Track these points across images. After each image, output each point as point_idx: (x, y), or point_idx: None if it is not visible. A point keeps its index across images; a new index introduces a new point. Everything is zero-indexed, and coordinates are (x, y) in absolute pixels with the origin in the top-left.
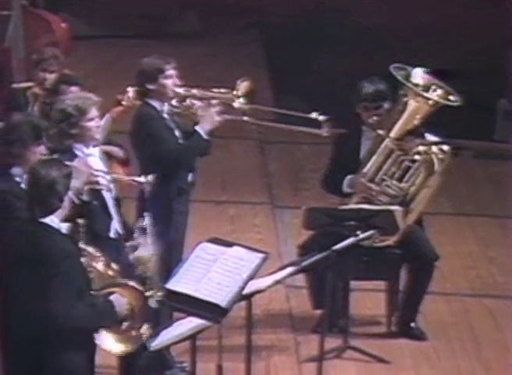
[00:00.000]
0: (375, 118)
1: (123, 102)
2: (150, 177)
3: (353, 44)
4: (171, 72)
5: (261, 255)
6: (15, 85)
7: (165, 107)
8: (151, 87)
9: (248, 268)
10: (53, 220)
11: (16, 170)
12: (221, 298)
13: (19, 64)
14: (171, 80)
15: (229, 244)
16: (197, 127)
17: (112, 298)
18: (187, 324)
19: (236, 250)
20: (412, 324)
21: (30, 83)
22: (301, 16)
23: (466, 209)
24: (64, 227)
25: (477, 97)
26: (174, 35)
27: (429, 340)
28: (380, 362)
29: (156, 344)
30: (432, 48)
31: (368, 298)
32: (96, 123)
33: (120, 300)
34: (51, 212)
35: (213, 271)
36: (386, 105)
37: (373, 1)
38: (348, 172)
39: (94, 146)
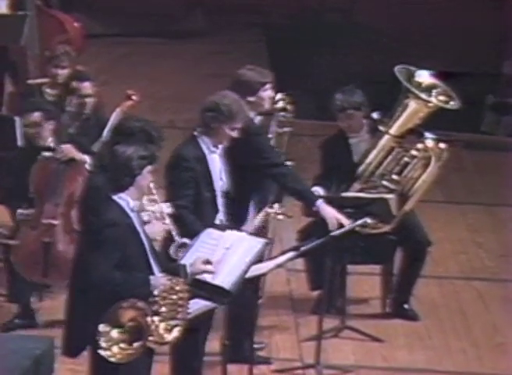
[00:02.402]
0: (346, 125)
1: (133, 97)
2: None
3: (353, 44)
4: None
5: (263, 241)
6: (30, 81)
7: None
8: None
9: (251, 253)
10: (122, 197)
11: None
12: (226, 281)
13: (34, 62)
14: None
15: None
16: None
17: (151, 277)
18: (193, 306)
19: (239, 236)
20: (405, 305)
21: (44, 80)
22: (302, 15)
23: (456, 197)
24: (132, 206)
25: (466, 93)
26: (181, 33)
27: (422, 320)
28: (375, 341)
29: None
30: (432, 48)
31: (364, 281)
32: (234, 134)
33: (158, 280)
34: (121, 189)
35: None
36: (360, 113)
37: (373, 2)
38: (340, 174)
39: (219, 145)
